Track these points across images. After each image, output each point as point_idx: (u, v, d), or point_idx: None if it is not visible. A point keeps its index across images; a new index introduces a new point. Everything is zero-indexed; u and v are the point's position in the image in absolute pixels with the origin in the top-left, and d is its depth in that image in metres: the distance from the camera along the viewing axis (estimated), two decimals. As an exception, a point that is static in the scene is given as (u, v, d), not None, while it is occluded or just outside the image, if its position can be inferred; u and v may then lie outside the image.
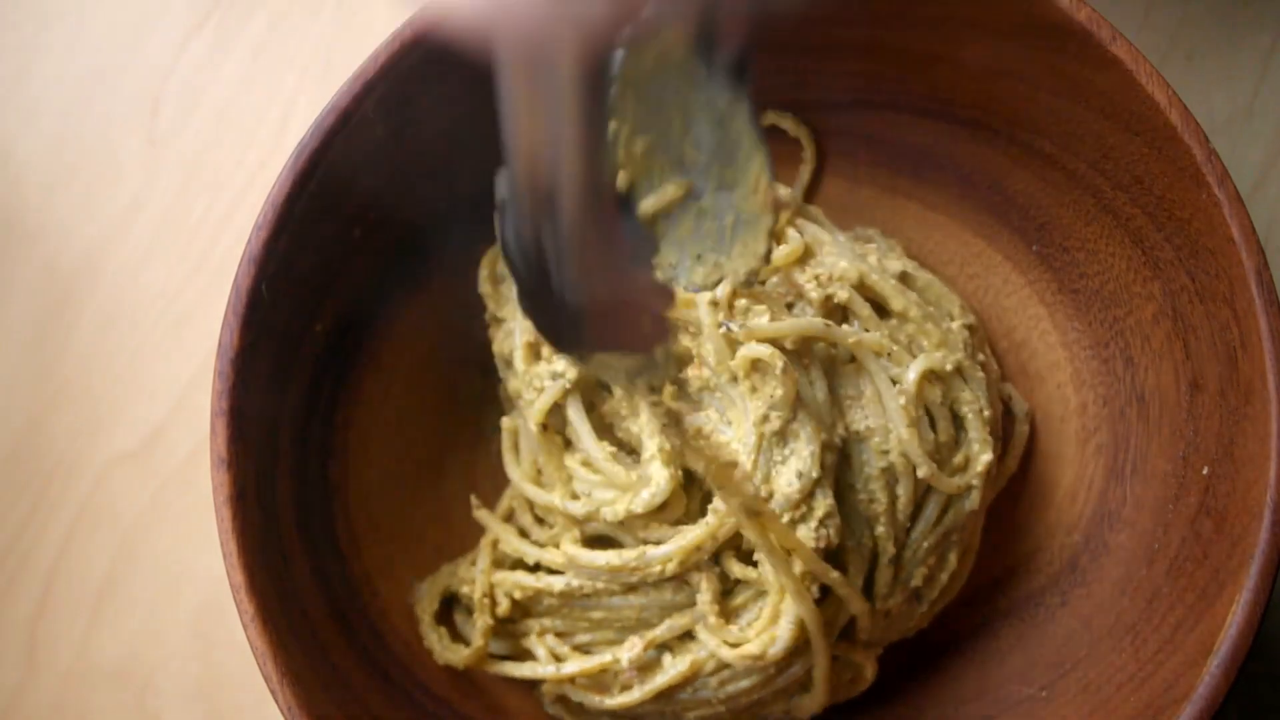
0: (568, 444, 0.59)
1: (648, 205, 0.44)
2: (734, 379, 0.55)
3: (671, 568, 0.55)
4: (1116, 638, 0.56)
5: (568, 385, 0.57)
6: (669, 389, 0.56)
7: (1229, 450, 0.53)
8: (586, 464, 0.57)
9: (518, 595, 0.58)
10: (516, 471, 0.60)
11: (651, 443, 0.56)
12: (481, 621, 0.59)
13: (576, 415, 0.57)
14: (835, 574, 0.54)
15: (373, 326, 0.61)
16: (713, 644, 0.55)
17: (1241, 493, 0.51)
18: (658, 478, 0.55)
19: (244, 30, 0.72)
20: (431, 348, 0.63)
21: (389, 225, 0.59)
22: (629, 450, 0.58)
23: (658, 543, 0.55)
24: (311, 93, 0.71)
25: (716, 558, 0.56)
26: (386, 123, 0.56)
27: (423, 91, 0.56)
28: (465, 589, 0.60)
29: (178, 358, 0.69)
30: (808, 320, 0.55)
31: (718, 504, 0.54)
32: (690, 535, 0.54)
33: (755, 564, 0.55)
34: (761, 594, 0.55)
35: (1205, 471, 0.54)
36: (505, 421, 0.61)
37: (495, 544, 0.60)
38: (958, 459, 0.57)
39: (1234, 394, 0.52)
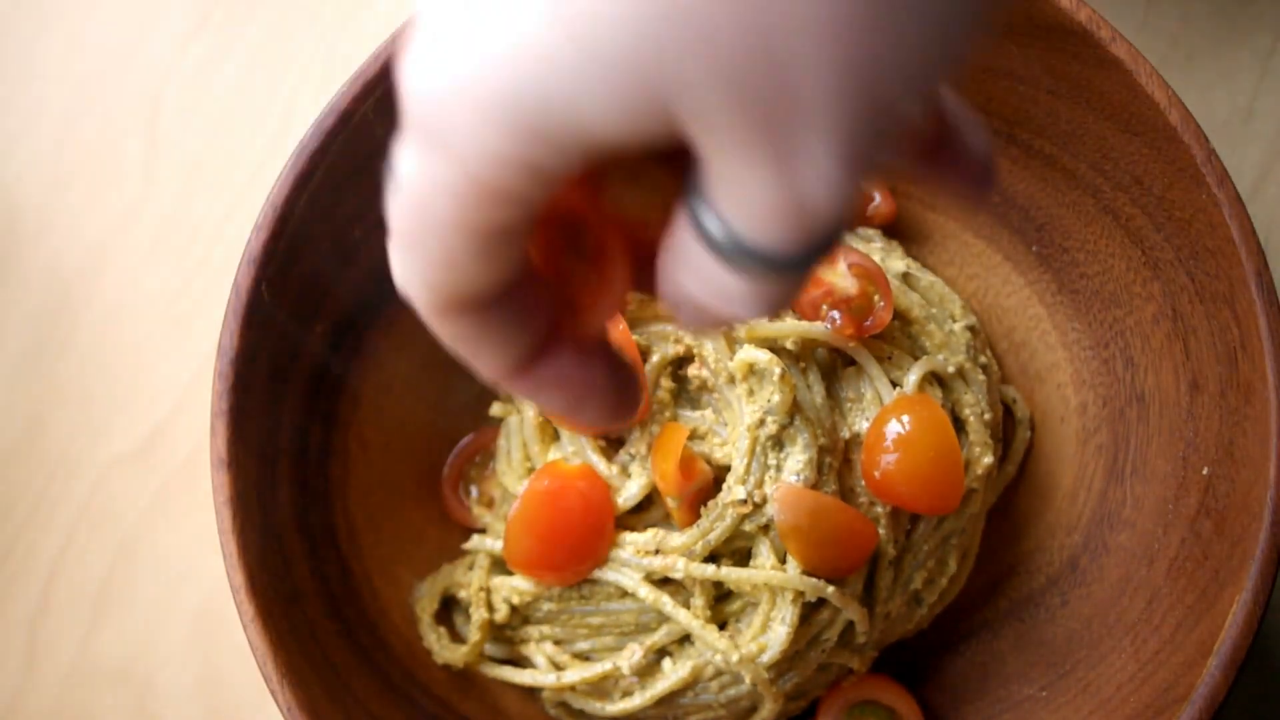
0: (557, 438, 0.58)
1: None
2: (731, 380, 0.55)
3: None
4: (1116, 638, 0.56)
5: None
6: (667, 385, 0.56)
7: (1229, 450, 0.52)
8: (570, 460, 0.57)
9: (515, 600, 0.58)
10: (504, 463, 0.60)
11: (640, 441, 0.55)
12: (477, 616, 0.58)
13: None
14: (831, 589, 0.54)
15: (373, 327, 0.61)
16: (707, 652, 0.55)
17: (1241, 493, 0.51)
18: (637, 476, 0.55)
19: (244, 31, 0.72)
20: (431, 347, 0.62)
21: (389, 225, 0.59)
22: (620, 445, 0.58)
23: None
24: (311, 93, 0.71)
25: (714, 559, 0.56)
26: (386, 123, 0.56)
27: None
28: (464, 593, 0.60)
29: (178, 358, 0.69)
30: (809, 322, 0.55)
31: (710, 507, 0.54)
32: (677, 538, 0.54)
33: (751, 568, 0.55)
34: (755, 601, 0.55)
35: (1205, 472, 0.54)
36: (496, 407, 0.61)
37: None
38: (958, 461, 0.57)
39: (1234, 394, 0.52)
